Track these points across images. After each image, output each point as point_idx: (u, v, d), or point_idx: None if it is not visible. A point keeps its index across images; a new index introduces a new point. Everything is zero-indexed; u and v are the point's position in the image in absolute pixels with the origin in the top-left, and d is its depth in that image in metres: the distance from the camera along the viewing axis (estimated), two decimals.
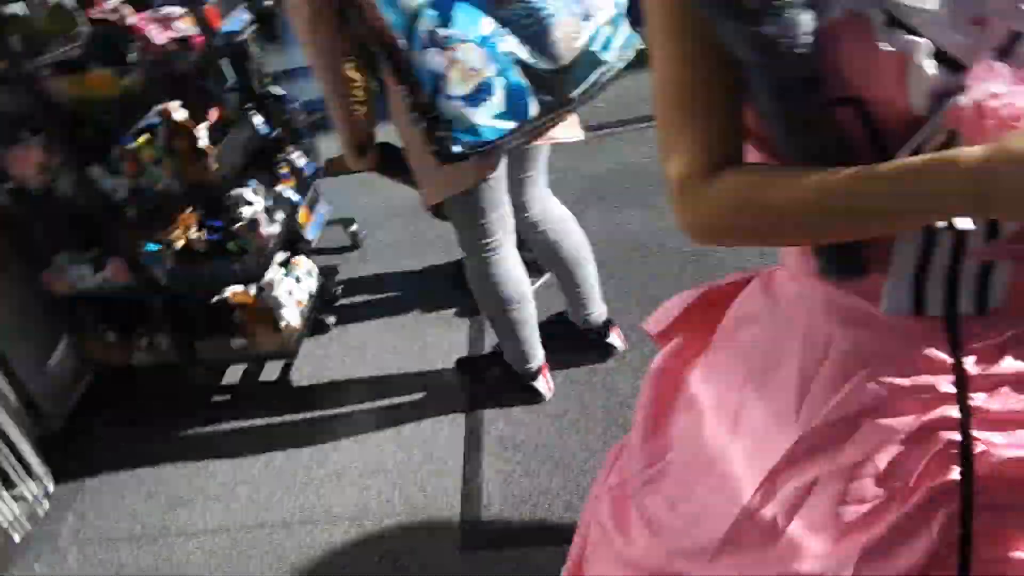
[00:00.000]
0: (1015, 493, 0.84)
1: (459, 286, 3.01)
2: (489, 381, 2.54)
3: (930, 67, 0.70)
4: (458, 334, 2.85)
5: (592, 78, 1.82)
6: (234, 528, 2.25)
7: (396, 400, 2.62)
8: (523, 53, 1.72)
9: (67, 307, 2.74)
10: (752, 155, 0.86)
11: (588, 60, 1.79)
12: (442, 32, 1.65)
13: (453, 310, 2.98)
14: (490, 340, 2.77)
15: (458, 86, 1.66)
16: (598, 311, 2.50)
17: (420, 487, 2.29)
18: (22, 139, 2.43)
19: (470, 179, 2.02)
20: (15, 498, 2.39)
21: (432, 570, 2.05)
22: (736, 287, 1.07)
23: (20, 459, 2.43)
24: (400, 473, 2.35)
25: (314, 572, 2.09)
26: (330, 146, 3.97)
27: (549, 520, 2.11)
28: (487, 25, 1.69)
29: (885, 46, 0.70)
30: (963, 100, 0.69)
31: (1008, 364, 0.83)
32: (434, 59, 1.65)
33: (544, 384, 2.46)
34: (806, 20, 0.71)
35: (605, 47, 1.80)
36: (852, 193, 0.72)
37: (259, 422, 2.64)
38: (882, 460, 0.85)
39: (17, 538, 2.36)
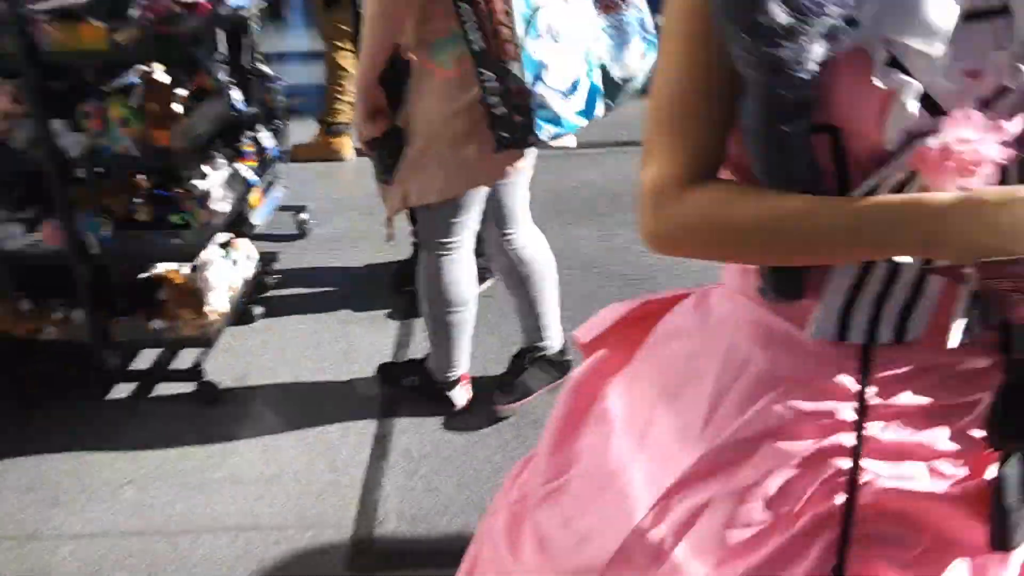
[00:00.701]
0: (891, 524, 0.86)
1: (397, 288, 2.90)
2: (406, 387, 2.43)
3: (913, 107, 0.72)
4: (385, 338, 2.72)
5: (626, 91, 1.98)
6: (113, 534, 2.09)
7: (307, 403, 2.49)
8: (608, 60, 1.89)
9: None
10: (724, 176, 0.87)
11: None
12: (556, 26, 1.78)
13: (385, 312, 2.85)
14: (414, 348, 2.63)
15: (558, 79, 1.79)
16: (557, 337, 2.40)
17: (317, 498, 2.15)
18: None
19: (494, 175, 2.04)
20: None
21: None
22: (672, 301, 1.04)
23: None
24: (298, 482, 2.20)
25: None
26: (301, 132, 3.92)
27: (444, 539, 2.00)
28: (590, 27, 1.86)
29: (879, 83, 0.72)
30: (932, 141, 0.72)
31: (906, 397, 0.85)
32: (546, 49, 1.76)
33: (462, 394, 2.36)
34: (818, 50, 0.71)
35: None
36: (817, 221, 0.75)
37: (160, 415, 2.49)
38: (774, 484, 0.85)
39: None
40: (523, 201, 2.25)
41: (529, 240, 2.28)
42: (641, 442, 0.95)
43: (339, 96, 3.95)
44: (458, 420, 2.34)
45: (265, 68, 3.06)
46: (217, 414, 2.47)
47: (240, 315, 2.78)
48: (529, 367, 2.37)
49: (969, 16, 0.73)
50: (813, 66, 0.71)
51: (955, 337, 0.80)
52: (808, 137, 0.76)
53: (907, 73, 0.73)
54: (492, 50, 1.74)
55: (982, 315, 0.83)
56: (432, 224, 2.13)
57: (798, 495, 0.84)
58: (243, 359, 2.68)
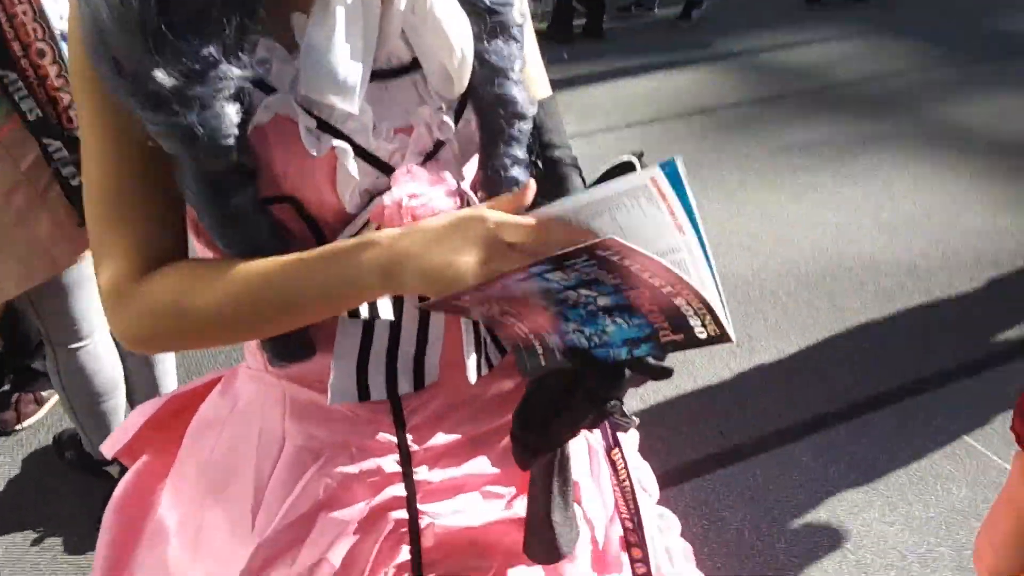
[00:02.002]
0: (460, 557, 0.88)
1: None
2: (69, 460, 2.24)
3: (354, 170, 0.73)
4: None
5: None
6: None
7: None
8: None
9: None
10: (202, 251, 0.82)
11: None
12: None
13: None
14: None
15: None
16: None
17: None
18: None
19: (79, 250, 1.76)
20: None
21: None
22: (205, 390, 0.98)
23: None
24: None
25: None
26: None
27: None
28: None
29: (313, 151, 0.72)
30: (386, 199, 0.74)
31: (441, 436, 0.87)
32: None
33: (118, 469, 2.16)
34: (231, 112, 0.69)
35: None
36: (281, 281, 0.71)
37: None
38: (337, 555, 0.83)
39: None
40: None
41: None
42: (196, 549, 0.89)
43: None
44: None
45: None
46: None
47: None
48: None
49: (386, 75, 0.76)
50: (231, 130, 0.69)
51: (472, 372, 0.84)
52: (263, 209, 0.74)
53: (340, 136, 0.73)
54: (53, 118, 1.60)
55: (497, 345, 0.89)
56: (50, 317, 1.88)
57: (365, 558, 0.84)
58: None
